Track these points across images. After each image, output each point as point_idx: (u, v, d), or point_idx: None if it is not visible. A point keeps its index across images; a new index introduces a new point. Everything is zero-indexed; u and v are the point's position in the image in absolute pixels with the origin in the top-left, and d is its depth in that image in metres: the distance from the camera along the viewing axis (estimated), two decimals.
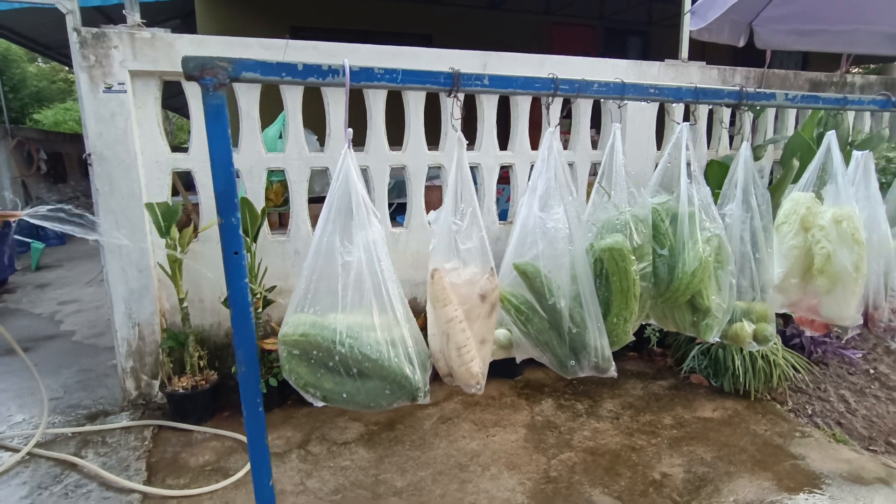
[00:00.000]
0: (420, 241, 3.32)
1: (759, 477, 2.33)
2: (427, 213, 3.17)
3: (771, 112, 4.10)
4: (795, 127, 4.14)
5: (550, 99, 1.30)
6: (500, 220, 3.50)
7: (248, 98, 2.89)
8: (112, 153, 2.68)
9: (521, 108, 3.40)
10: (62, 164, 9.83)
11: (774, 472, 2.36)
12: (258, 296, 2.84)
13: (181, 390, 2.76)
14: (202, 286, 2.95)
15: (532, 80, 1.28)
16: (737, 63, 4.27)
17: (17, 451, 2.48)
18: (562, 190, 1.30)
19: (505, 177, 3.57)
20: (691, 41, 3.84)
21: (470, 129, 3.40)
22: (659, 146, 3.84)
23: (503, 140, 3.42)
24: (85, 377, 3.30)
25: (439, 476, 2.36)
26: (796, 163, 3.01)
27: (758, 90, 1.42)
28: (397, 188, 3.79)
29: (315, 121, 3.30)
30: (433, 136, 3.27)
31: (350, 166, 1.17)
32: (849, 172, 1.59)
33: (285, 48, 2.85)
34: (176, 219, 2.70)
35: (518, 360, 1.42)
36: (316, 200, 3.98)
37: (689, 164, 1.39)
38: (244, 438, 2.61)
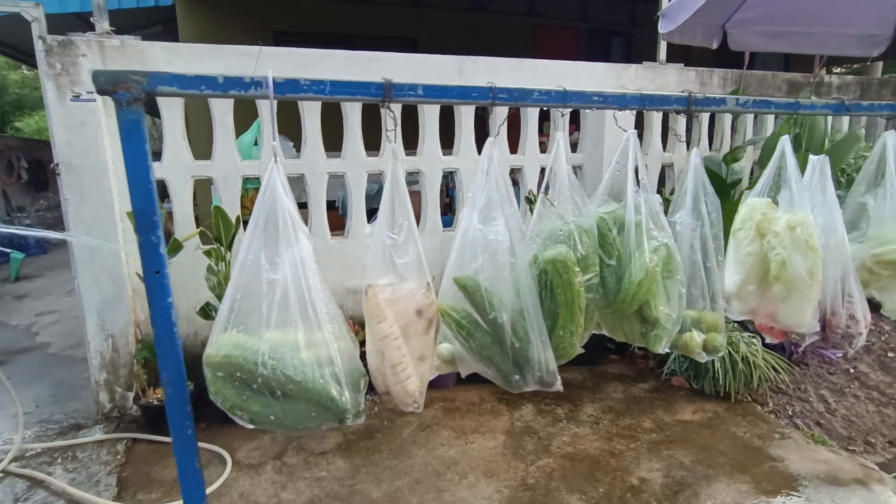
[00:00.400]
0: None
1: (737, 480, 2.33)
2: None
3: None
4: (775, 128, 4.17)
5: (489, 108, 1.28)
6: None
7: (221, 105, 2.86)
8: (82, 162, 2.63)
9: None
10: (44, 172, 9.72)
11: (753, 475, 2.36)
12: None
13: (156, 402, 2.71)
14: (177, 296, 2.85)
15: (469, 89, 1.25)
16: (721, 65, 4.29)
17: None
18: (503, 201, 1.27)
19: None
20: (676, 44, 3.85)
21: (447, 137, 3.39)
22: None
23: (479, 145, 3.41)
24: (58, 390, 3.24)
25: (416, 485, 2.33)
26: None
27: (707, 96, 1.40)
28: (380, 194, 3.76)
29: (294, 127, 3.27)
30: (410, 142, 3.25)
31: (277, 181, 1.13)
32: (805, 177, 1.58)
33: (258, 55, 2.83)
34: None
35: (463, 375, 1.39)
36: None
37: (636, 172, 1.38)
38: (220, 450, 2.57)
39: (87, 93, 2.56)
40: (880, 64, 6.06)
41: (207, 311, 2.71)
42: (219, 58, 2.80)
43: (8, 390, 2.52)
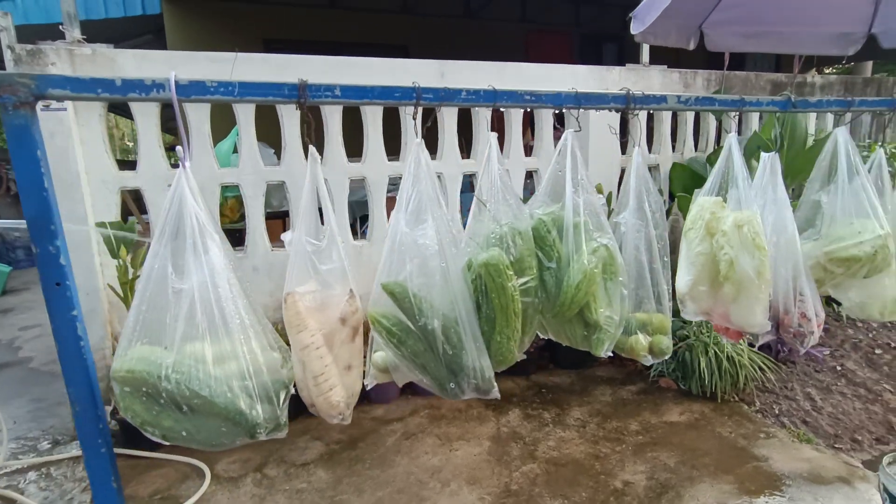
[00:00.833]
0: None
1: (720, 481, 2.30)
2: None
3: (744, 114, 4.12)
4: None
5: (415, 109, 1.23)
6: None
7: (198, 112, 2.82)
8: (52, 173, 2.59)
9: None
10: None
11: (736, 475, 2.33)
12: None
13: None
14: None
15: (391, 89, 1.21)
16: (710, 66, 4.30)
17: None
18: (431, 204, 1.22)
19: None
20: (664, 47, 3.84)
21: (432, 140, 3.37)
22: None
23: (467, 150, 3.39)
24: (36, 406, 3.18)
25: (398, 495, 2.29)
26: (755, 163, 3.01)
27: (647, 94, 1.38)
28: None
29: (273, 134, 3.24)
30: (393, 146, 3.22)
31: (185, 188, 1.08)
32: (757, 176, 1.56)
33: (234, 61, 2.80)
34: (130, 239, 2.62)
35: (399, 385, 1.35)
36: (274, 216, 3.91)
37: (575, 172, 1.35)
38: (199, 463, 2.53)
39: (58, 102, 2.52)
40: (870, 64, 6.08)
41: None
42: (192, 64, 2.77)
43: None
